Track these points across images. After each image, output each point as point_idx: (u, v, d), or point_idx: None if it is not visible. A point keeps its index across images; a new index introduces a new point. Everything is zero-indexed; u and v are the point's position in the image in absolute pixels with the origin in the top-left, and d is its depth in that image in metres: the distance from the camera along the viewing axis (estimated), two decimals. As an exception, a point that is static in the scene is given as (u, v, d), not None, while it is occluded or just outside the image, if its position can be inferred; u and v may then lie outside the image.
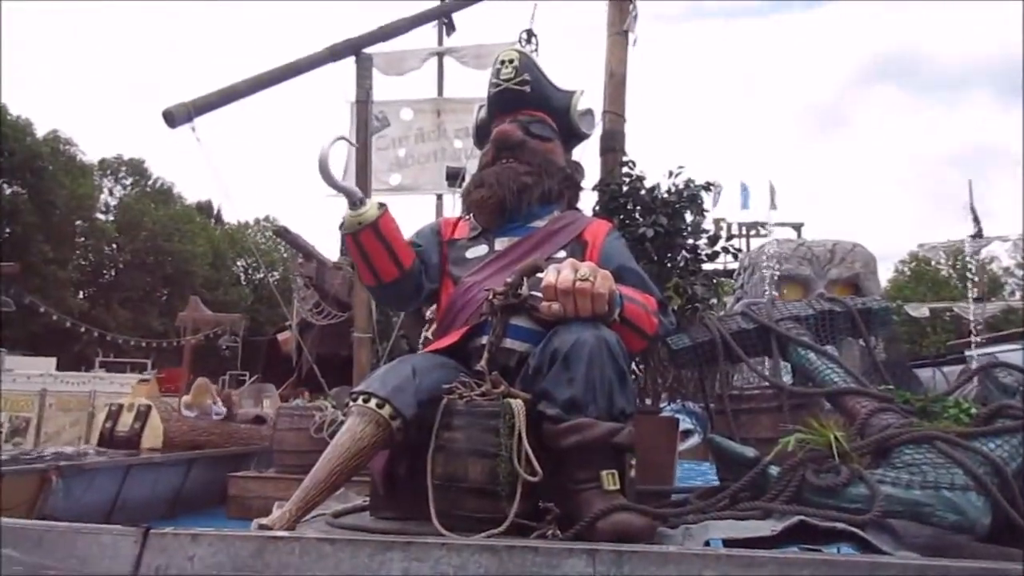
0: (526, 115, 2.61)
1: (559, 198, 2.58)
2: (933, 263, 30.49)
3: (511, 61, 2.59)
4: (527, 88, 2.58)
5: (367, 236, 2.20)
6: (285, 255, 33.02)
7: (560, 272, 1.95)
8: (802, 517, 1.65)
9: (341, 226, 2.22)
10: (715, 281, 3.48)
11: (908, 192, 67.23)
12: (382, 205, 2.22)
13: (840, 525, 1.62)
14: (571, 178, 2.68)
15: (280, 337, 11.92)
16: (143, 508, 6.15)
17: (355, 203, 2.17)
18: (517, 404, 1.83)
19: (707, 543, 1.62)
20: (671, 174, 3.49)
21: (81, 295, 27.36)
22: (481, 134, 2.83)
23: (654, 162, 3.54)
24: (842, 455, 1.80)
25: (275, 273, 32.31)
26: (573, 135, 2.79)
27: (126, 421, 7.09)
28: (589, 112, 2.83)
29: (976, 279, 20.45)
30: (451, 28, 10.03)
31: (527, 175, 2.48)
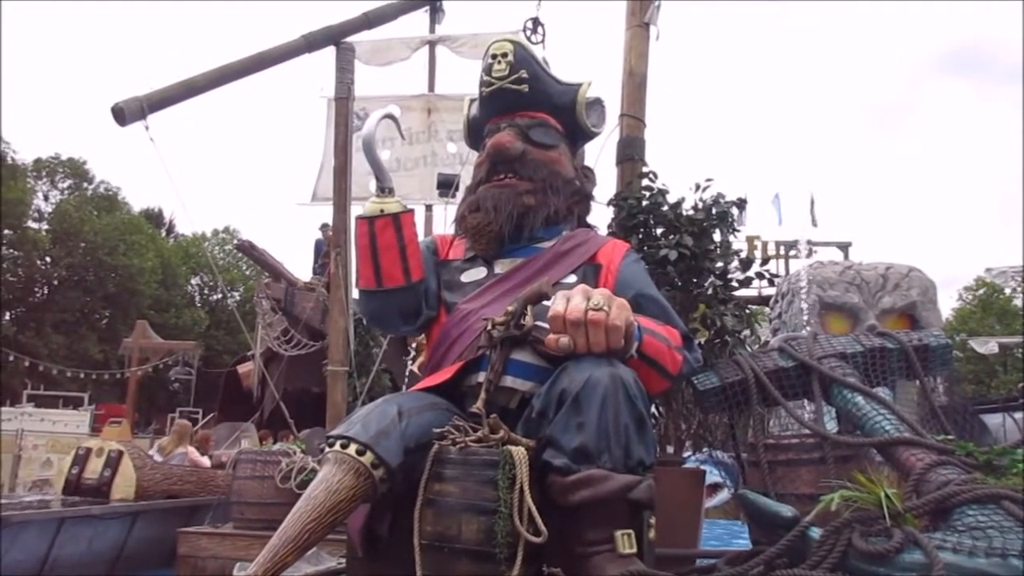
0: (525, 117, 2.61)
1: (567, 216, 2.60)
2: (1007, 291, 30.45)
3: (504, 55, 2.58)
4: (524, 87, 2.58)
5: (384, 225, 2.31)
6: (248, 273, 33.12)
7: (570, 300, 1.97)
8: (848, 588, 1.66)
9: (360, 213, 2.37)
10: (748, 311, 3.52)
11: (974, 207, 67.42)
12: (407, 208, 2.38)
13: (892, 598, 1.63)
14: (581, 191, 2.68)
15: (241, 369, 11.91)
16: (78, 568, 6.14)
17: (383, 189, 2.37)
18: (519, 452, 1.84)
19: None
20: (698, 188, 3.53)
21: (7, 316, 27.35)
22: (473, 133, 2.84)
23: (678, 174, 3.57)
24: (894, 516, 1.81)
25: (236, 294, 32.36)
26: (581, 134, 2.78)
27: (95, 468, 7.32)
28: (598, 102, 2.78)
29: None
30: (440, 14, 10.16)
31: (529, 195, 2.49)
